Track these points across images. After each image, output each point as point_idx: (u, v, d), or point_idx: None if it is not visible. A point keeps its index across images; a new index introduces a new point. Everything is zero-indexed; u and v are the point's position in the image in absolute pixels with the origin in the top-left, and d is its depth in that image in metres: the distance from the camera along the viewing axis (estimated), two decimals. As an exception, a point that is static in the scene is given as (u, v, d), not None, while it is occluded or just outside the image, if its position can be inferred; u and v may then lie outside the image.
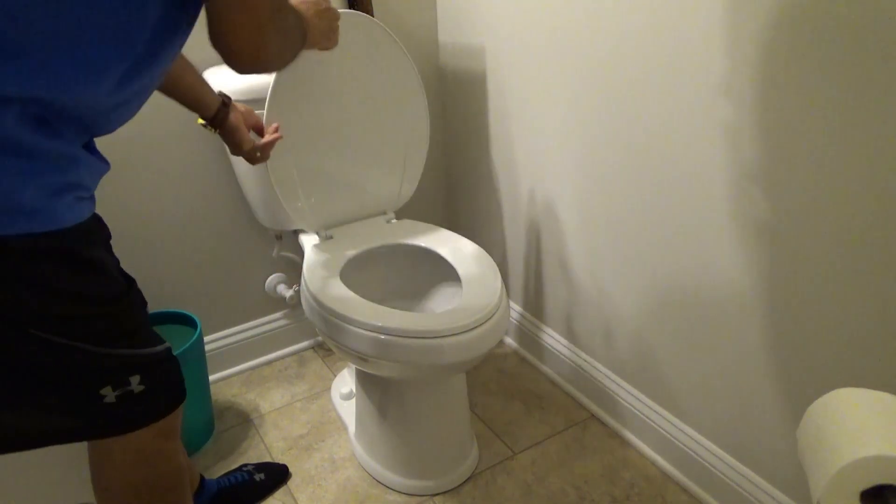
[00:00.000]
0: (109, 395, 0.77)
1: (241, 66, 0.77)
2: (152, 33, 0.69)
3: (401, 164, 1.43)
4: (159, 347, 0.83)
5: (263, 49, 0.75)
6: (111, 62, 0.68)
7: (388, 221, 1.43)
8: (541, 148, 1.41)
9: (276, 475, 1.32)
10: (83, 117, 0.71)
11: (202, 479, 1.19)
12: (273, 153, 1.20)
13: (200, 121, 1.11)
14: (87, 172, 0.73)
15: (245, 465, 1.33)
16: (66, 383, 0.75)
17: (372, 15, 1.40)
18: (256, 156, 1.16)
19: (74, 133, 0.71)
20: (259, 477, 1.29)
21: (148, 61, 0.72)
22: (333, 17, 1.14)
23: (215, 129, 1.12)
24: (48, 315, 0.70)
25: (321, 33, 1.12)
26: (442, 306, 1.35)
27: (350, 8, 1.45)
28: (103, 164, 0.76)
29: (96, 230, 0.78)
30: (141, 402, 0.80)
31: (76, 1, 0.63)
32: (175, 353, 1.23)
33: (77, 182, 0.71)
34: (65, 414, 0.76)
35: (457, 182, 1.78)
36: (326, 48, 1.17)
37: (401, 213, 1.62)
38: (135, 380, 0.78)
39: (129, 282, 0.81)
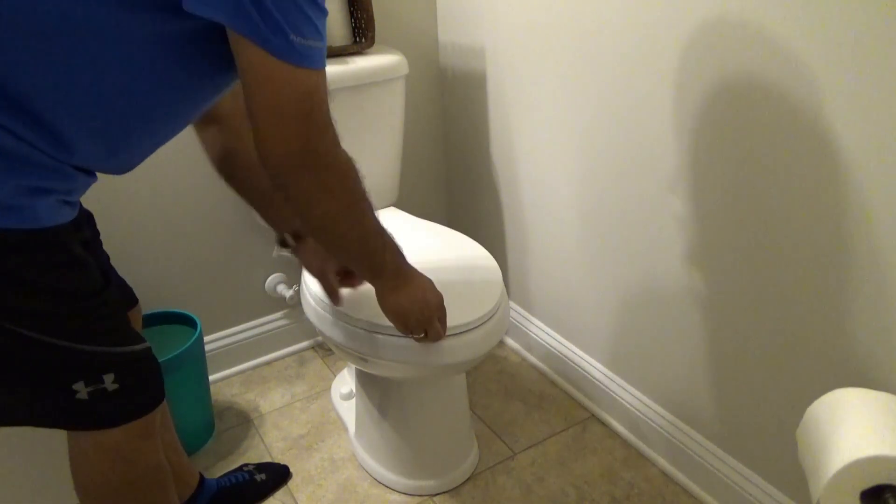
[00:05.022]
0: (82, 390, 0.76)
1: (265, 160, 0.73)
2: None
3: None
4: (137, 347, 0.82)
5: (290, 155, 0.72)
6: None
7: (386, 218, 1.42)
8: (541, 147, 1.41)
9: (278, 475, 1.32)
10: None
11: (202, 478, 1.19)
12: None
13: (279, 249, 1.06)
14: (73, 182, 0.73)
15: (246, 464, 1.33)
16: (37, 377, 0.74)
17: (372, 15, 1.39)
18: (331, 282, 1.06)
19: (65, 158, 0.71)
20: (260, 477, 1.29)
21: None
22: (427, 325, 0.98)
23: (290, 248, 1.07)
24: (20, 308, 0.70)
25: (405, 311, 0.96)
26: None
27: (350, 7, 1.44)
28: (91, 178, 0.76)
29: (78, 229, 0.77)
30: (115, 400, 0.79)
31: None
32: (175, 353, 1.25)
33: (62, 188, 0.71)
34: (35, 403, 0.76)
35: (457, 182, 1.78)
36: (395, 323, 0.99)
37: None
38: (108, 378, 0.78)
39: (107, 280, 0.80)
